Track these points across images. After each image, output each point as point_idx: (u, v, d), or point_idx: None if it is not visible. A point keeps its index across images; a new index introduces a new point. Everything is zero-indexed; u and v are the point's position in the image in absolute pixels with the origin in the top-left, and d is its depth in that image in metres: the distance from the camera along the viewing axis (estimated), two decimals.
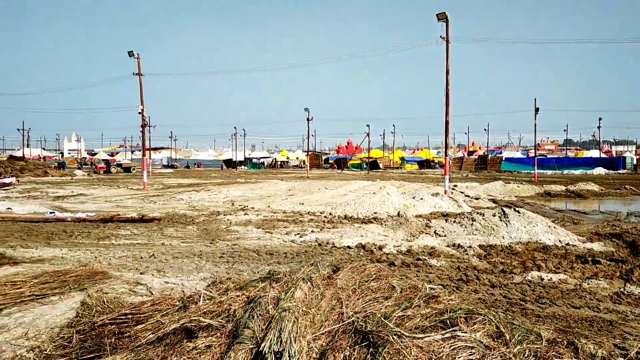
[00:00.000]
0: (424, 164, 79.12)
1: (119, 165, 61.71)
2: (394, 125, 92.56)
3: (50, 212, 15.97)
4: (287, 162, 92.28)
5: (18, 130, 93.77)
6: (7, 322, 5.21)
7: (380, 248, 10.37)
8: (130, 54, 31.59)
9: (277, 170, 72.56)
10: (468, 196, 23.52)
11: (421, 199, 18.24)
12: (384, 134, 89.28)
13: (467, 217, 13.05)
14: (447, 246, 10.69)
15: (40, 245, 10.50)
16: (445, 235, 12.12)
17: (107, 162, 62.66)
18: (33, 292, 6.08)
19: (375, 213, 15.92)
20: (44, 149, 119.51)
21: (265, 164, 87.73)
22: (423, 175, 53.91)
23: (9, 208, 17.57)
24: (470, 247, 10.40)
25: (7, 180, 29.15)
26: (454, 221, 13.29)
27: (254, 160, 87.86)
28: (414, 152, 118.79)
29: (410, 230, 12.88)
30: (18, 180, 32.92)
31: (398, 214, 14.90)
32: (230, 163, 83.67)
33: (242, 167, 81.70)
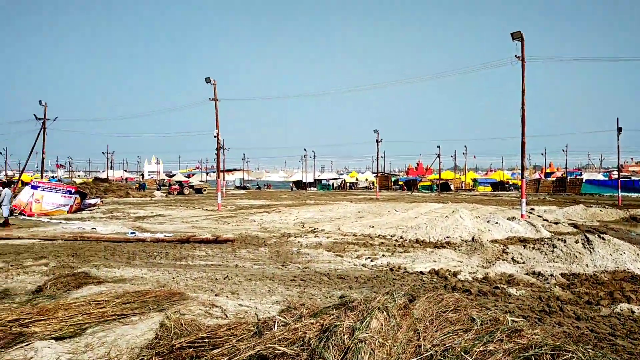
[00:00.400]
0: (498, 185, 76.69)
1: (192, 186, 64.33)
2: (465, 146, 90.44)
3: (132, 233, 16.72)
4: (356, 183, 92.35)
5: (103, 153, 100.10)
6: (91, 341, 5.43)
7: (455, 274, 10.04)
8: (207, 80, 32.93)
9: (346, 192, 72.64)
10: (546, 220, 22.52)
11: (496, 223, 17.63)
12: (455, 155, 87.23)
13: (547, 243, 12.43)
14: (526, 274, 10.20)
15: (122, 265, 10.96)
16: (523, 262, 11.60)
17: (180, 183, 65.50)
18: (115, 312, 6.33)
19: (448, 237, 15.50)
20: (126, 170, 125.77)
21: (334, 185, 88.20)
22: (497, 197, 52.17)
23: (93, 228, 18.57)
24: (551, 275, 9.87)
25: (92, 201, 30.77)
26: (533, 247, 12.70)
27: (323, 182, 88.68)
28: (486, 173, 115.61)
29: (485, 256, 12.43)
30: (102, 201, 34.81)
31: (472, 239, 14.43)
32: (300, 184, 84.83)
33: (312, 188, 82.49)
